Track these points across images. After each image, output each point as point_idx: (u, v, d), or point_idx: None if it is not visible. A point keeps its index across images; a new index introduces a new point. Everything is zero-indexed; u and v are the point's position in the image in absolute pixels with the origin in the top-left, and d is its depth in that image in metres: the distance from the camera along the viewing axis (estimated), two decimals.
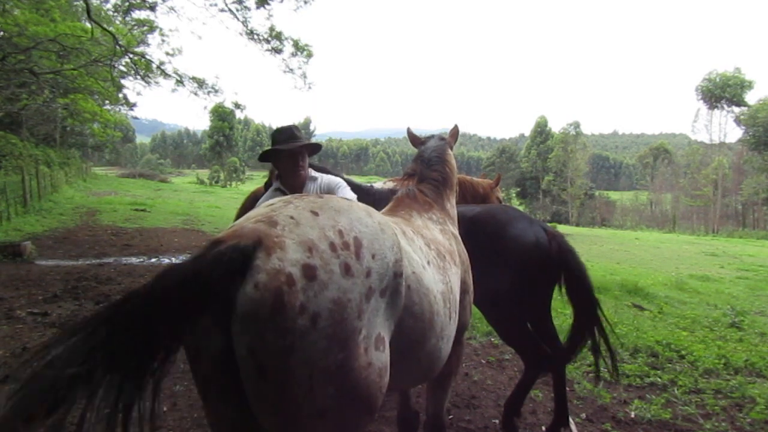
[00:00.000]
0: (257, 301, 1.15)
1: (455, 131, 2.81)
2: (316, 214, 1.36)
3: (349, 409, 1.32)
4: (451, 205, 2.54)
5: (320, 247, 1.27)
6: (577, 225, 48.66)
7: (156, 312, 1.09)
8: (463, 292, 2.14)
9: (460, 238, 2.37)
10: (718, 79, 46.05)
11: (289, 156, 2.72)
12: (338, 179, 2.99)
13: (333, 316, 1.23)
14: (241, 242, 1.20)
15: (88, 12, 12.50)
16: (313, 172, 2.93)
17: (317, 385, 1.23)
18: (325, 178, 2.91)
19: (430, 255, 1.89)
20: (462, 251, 2.26)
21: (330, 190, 2.85)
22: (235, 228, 1.30)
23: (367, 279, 1.34)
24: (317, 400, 1.24)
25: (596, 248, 17.59)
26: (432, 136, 2.75)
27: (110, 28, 14.28)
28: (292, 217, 1.32)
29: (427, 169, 2.51)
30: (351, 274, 1.30)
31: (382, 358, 1.40)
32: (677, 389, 4.01)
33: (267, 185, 3.94)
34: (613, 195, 72.88)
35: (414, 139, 2.80)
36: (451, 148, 2.70)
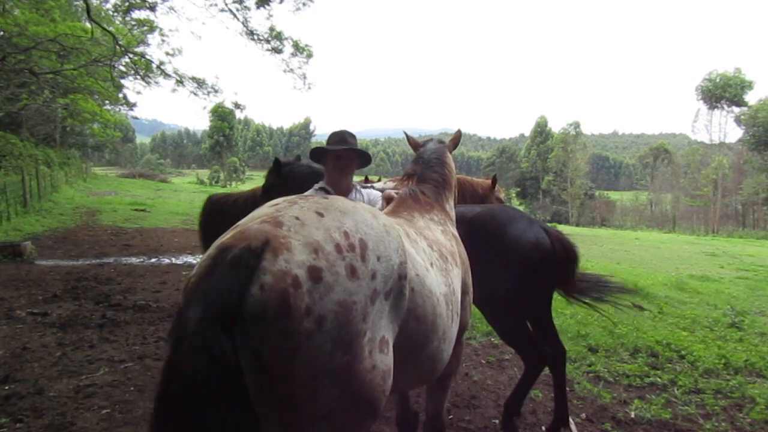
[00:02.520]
0: (263, 302, 1.14)
1: (457, 136, 2.82)
2: (321, 215, 1.35)
3: (352, 411, 1.31)
4: (450, 207, 2.55)
5: (326, 249, 1.26)
6: (577, 225, 48.61)
7: (213, 341, 1.09)
8: (464, 293, 2.14)
9: (459, 238, 2.38)
10: (718, 79, 46.03)
11: (333, 157, 2.80)
12: (378, 192, 3.02)
13: (338, 318, 1.22)
14: (251, 244, 1.19)
15: (88, 12, 12.51)
16: (359, 186, 2.99)
17: (321, 388, 1.22)
18: (371, 192, 2.97)
19: (433, 257, 1.88)
20: (462, 252, 2.27)
21: (371, 202, 2.88)
22: (240, 230, 1.28)
23: (372, 281, 1.33)
24: (321, 402, 1.23)
25: (596, 248, 17.58)
26: (431, 139, 2.77)
27: (110, 28, 14.29)
28: (297, 218, 1.31)
29: (426, 170, 2.51)
30: (356, 277, 1.29)
31: (386, 360, 1.39)
32: (677, 389, 4.01)
33: (264, 188, 3.93)
34: (613, 195, 72.83)
35: (413, 142, 2.81)
36: (450, 152, 2.72)
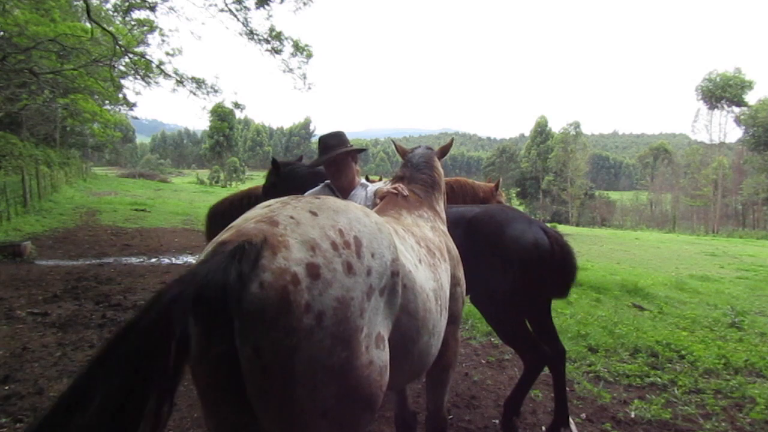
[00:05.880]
0: (263, 300, 1.15)
1: (447, 146, 2.90)
2: (315, 214, 1.37)
3: (350, 408, 1.32)
4: (441, 208, 2.59)
5: (322, 246, 1.27)
6: (577, 225, 48.63)
7: (177, 320, 1.01)
8: (454, 285, 2.17)
9: (449, 235, 2.41)
10: (718, 79, 46.03)
11: (328, 164, 2.93)
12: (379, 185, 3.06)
13: (337, 314, 1.24)
14: (251, 240, 1.20)
15: (88, 12, 12.50)
16: (363, 180, 3.10)
17: (320, 385, 1.23)
18: (373, 187, 3.04)
19: (421, 253, 1.91)
20: (451, 246, 2.30)
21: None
22: (237, 228, 1.29)
23: (368, 277, 1.35)
24: (320, 399, 1.24)
25: (596, 248, 17.58)
26: (419, 147, 2.86)
27: (110, 28, 14.27)
28: (292, 217, 1.32)
29: (416, 173, 2.59)
30: (353, 273, 1.30)
31: (382, 356, 1.41)
32: (677, 389, 4.01)
33: (264, 188, 3.96)
34: (613, 195, 72.79)
35: (400, 149, 2.89)
36: (439, 159, 2.79)
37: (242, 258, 1.14)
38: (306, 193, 2.95)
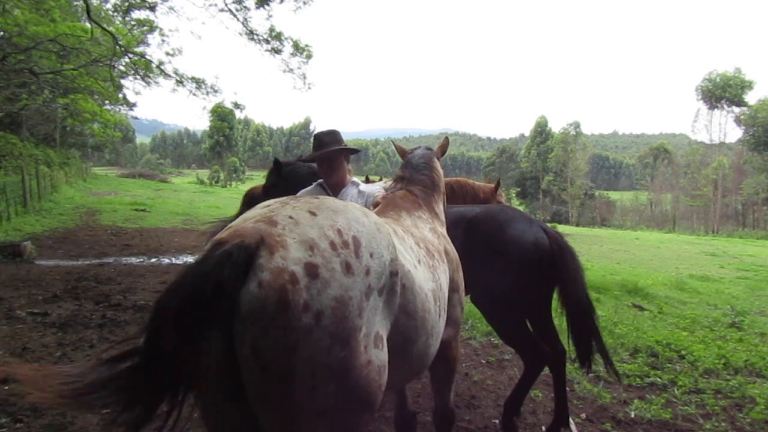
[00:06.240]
0: (262, 299, 1.15)
1: (445, 144, 2.92)
2: (314, 214, 1.37)
3: (349, 407, 1.32)
4: (440, 209, 2.59)
5: (321, 246, 1.28)
6: (577, 225, 48.63)
7: (176, 323, 1.13)
8: (452, 290, 2.17)
9: (448, 237, 2.42)
10: (718, 79, 46.05)
11: (321, 160, 2.99)
12: (376, 188, 3.12)
13: (335, 314, 1.24)
14: (245, 241, 1.21)
15: (88, 12, 12.51)
16: (354, 179, 3.15)
17: (319, 384, 1.23)
18: (367, 188, 3.09)
19: (420, 254, 1.92)
20: (451, 249, 2.29)
21: (367, 196, 3.01)
22: (235, 228, 1.30)
23: (366, 277, 1.35)
24: (319, 398, 1.24)
25: (596, 248, 17.58)
26: (418, 147, 2.86)
27: (110, 28, 14.29)
28: (291, 217, 1.33)
29: (415, 174, 2.59)
30: (352, 273, 1.31)
31: (381, 356, 1.41)
32: (677, 389, 4.01)
33: (265, 187, 3.97)
34: (613, 195, 72.81)
35: (400, 150, 2.89)
36: (438, 158, 2.79)
37: (238, 257, 1.17)
38: (299, 193, 3.00)
